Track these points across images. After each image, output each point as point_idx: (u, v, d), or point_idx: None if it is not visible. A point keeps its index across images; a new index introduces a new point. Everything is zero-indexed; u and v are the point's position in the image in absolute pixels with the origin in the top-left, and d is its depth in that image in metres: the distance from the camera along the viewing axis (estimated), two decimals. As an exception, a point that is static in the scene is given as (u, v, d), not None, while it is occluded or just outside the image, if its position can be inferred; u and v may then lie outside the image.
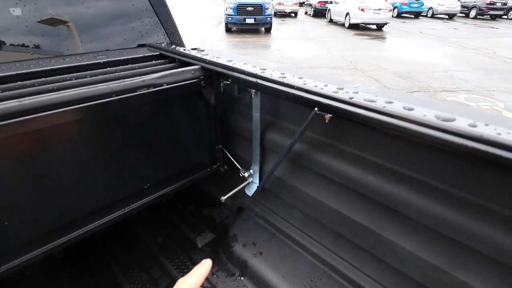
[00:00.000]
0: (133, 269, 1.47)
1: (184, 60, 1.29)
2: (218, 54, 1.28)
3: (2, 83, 0.99)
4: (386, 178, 0.93)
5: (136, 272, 1.45)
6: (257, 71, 1.04)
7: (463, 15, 20.81)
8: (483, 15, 19.77)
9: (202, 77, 1.20)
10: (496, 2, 18.97)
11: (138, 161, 1.20)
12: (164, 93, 1.09)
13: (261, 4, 12.21)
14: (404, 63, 8.78)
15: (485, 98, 6.11)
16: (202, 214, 1.80)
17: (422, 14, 20.70)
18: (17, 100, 0.80)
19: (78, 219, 1.09)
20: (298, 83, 0.92)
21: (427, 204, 0.84)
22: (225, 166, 1.54)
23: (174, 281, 1.39)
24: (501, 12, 19.31)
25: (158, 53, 1.39)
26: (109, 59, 1.25)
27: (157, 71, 1.13)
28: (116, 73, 1.15)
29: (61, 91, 0.88)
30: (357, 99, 0.79)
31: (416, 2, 19.76)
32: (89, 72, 1.15)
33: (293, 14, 19.11)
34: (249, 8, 12.18)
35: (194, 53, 1.28)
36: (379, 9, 13.97)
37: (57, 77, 1.09)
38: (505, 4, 19.02)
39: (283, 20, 17.48)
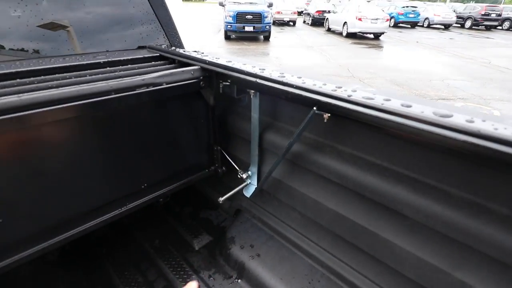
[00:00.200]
0: (129, 270, 1.45)
1: (183, 61, 1.30)
2: (218, 56, 1.30)
3: (1, 80, 0.99)
4: (385, 178, 0.93)
5: (132, 273, 1.43)
6: (256, 71, 1.05)
7: (459, 25, 21.20)
8: (478, 26, 20.14)
9: (201, 77, 1.21)
10: (491, 13, 19.36)
11: (136, 161, 1.19)
12: (163, 93, 1.09)
13: (260, 13, 12.37)
14: (401, 71, 8.88)
15: (481, 107, 6.17)
16: (199, 216, 1.79)
17: (418, 24, 21.04)
18: (16, 95, 0.81)
19: (74, 218, 1.08)
20: (297, 82, 0.93)
21: (426, 204, 0.84)
22: (223, 168, 1.54)
23: (170, 284, 1.38)
24: (495, 23, 19.70)
25: (158, 54, 1.41)
26: (109, 59, 1.26)
27: (156, 71, 1.14)
28: (116, 73, 1.16)
29: (60, 88, 0.89)
30: (356, 97, 0.79)
31: (412, 12, 20.12)
32: (88, 71, 1.16)
33: (291, 23, 19.35)
34: (248, 17, 12.32)
35: (193, 54, 1.29)
36: (376, 19, 14.20)
37: (56, 75, 1.09)
38: (499, 15, 19.41)
39: (281, 29, 17.69)
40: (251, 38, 13.57)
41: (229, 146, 1.51)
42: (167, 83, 1.09)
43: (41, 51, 1.21)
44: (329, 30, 17.15)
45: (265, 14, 12.47)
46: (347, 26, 14.80)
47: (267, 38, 13.55)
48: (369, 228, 1.01)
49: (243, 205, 1.59)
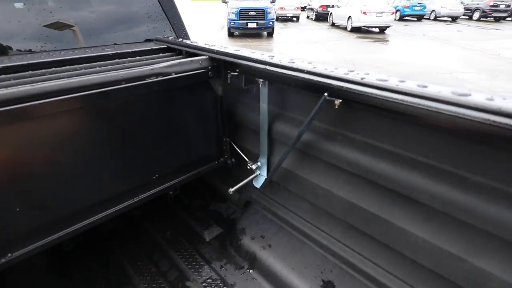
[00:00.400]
0: (142, 261, 1.46)
1: (191, 52, 1.30)
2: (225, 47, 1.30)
3: (13, 72, 1.00)
4: (398, 164, 0.92)
5: (145, 264, 1.44)
6: (265, 58, 1.04)
7: (466, 17, 20.76)
8: (486, 17, 19.70)
9: (209, 67, 1.21)
10: (500, 4, 18.89)
11: (147, 152, 1.20)
12: (172, 82, 1.09)
13: (263, 9, 12.29)
14: (408, 65, 8.76)
15: (491, 98, 6.05)
16: (208, 209, 1.79)
17: (424, 17, 20.68)
18: (29, 85, 0.82)
19: (87, 208, 1.09)
20: (308, 67, 0.91)
21: (442, 190, 0.82)
22: (232, 159, 1.54)
23: (182, 274, 1.39)
24: (505, 14, 19.23)
25: (165, 46, 1.41)
26: (118, 51, 1.26)
27: (165, 62, 1.14)
28: (125, 64, 1.16)
29: (72, 78, 0.89)
30: (369, 79, 0.78)
31: (418, 5, 19.75)
32: (98, 63, 1.17)
33: (295, 19, 19.20)
34: (251, 13, 12.26)
35: (201, 44, 1.29)
36: (381, 12, 13.99)
37: (67, 67, 1.10)
38: (508, 6, 18.93)
39: (285, 24, 17.58)
40: (254, 34, 13.52)
41: (237, 137, 1.51)
42: (176, 73, 1.09)
43: (50, 44, 1.22)
44: (333, 25, 16.98)
45: (268, 10, 12.40)
46: (351, 20, 14.62)
47: (270, 34, 13.48)
48: (382, 216, 0.99)
49: (253, 196, 1.59)
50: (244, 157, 1.47)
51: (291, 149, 1.16)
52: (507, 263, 0.75)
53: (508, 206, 0.71)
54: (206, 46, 1.24)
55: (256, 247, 1.44)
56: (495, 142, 0.71)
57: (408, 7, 19.74)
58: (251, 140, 1.45)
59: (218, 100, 1.35)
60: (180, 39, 1.46)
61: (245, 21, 12.29)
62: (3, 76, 0.96)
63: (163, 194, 1.32)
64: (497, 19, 19.62)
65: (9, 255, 0.93)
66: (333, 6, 17.73)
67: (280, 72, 1.00)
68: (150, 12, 1.49)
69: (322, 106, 0.96)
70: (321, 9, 19.32)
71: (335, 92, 0.89)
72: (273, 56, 1.06)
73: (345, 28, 15.40)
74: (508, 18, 19.66)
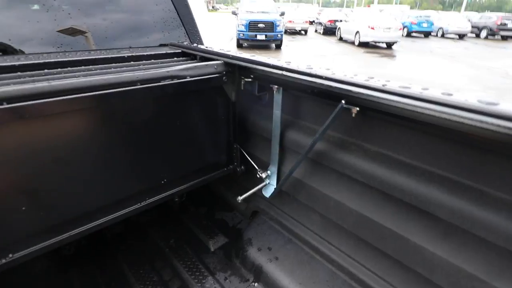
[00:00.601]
0: (144, 269, 1.42)
1: (206, 57, 1.29)
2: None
3: (30, 69, 1.00)
4: (415, 177, 0.89)
5: (147, 272, 1.40)
6: (282, 63, 1.03)
7: (474, 35, 20.87)
8: (494, 36, 19.77)
9: (224, 72, 1.20)
10: (508, 23, 19.01)
11: (157, 155, 1.18)
12: (187, 86, 1.08)
13: (272, 22, 12.49)
14: (414, 81, 8.76)
15: (500, 116, 5.99)
16: (214, 217, 1.75)
17: (432, 34, 20.83)
18: (46, 82, 0.81)
19: (92, 211, 1.07)
20: (326, 73, 0.90)
21: (461, 205, 0.78)
22: (242, 167, 1.52)
23: (185, 284, 1.34)
24: (512, 33, 19.31)
25: (180, 50, 1.41)
26: (133, 54, 1.26)
27: (180, 65, 1.14)
28: (140, 66, 1.16)
29: (88, 77, 0.88)
30: (391, 86, 0.76)
31: (426, 21, 19.92)
32: (113, 64, 1.17)
33: (303, 32, 19.46)
34: (261, 25, 12.45)
35: (216, 49, 1.28)
36: (389, 28, 14.11)
37: (83, 67, 1.10)
38: (516, 25, 19.03)
39: (293, 37, 17.80)
40: (263, 46, 13.69)
41: (248, 144, 1.49)
42: (191, 76, 1.08)
43: (66, 46, 1.23)
44: (341, 39, 17.14)
45: (277, 23, 12.58)
46: (359, 35, 14.75)
47: (278, 47, 13.64)
48: (396, 232, 0.95)
49: (261, 206, 1.55)
50: (254, 165, 1.44)
51: (303, 158, 1.13)
52: None
53: None
54: (221, 51, 1.24)
55: (263, 259, 1.39)
56: None
57: (415, 23, 19.91)
58: (262, 148, 1.43)
59: (231, 106, 1.34)
60: (195, 45, 1.46)
61: (254, 33, 12.47)
62: (19, 73, 0.96)
63: (169, 200, 1.29)
64: (505, 38, 19.68)
65: (10, 255, 0.90)
66: (341, 21, 17.94)
67: (297, 78, 0.98)
68: (166, 18, 1.50)
69: (338, 115, 0.94)
70: (329, 23, 19.56)
71: (353, 99, 0.87)
72: (290, 62, 1.04)
73: (352, 43, 15.54)
74: (516, 38, 19.70)
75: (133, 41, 1.41)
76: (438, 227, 0.86)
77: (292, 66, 0.99)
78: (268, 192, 1.42)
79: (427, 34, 20.61)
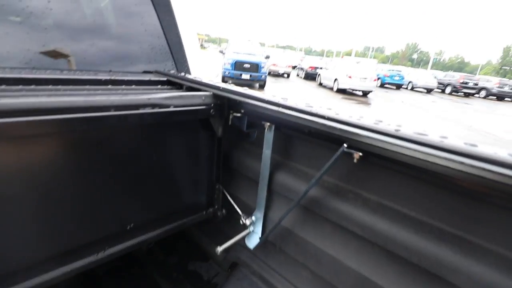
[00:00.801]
0: None
1: (194, 87, 1.18)
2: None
3: None
4: (424, 234, 0.78)
5: None
6: (278, 99, 0.93)
7: (440, 90, 22.88)
8: (457, 92, 21.80)
9: (212, 104, 1.08)
10: (469, 82, 21.13)
11: (125, 194, 1.00)
12: (169, 116, 0.95)
13: (257, 63, 13.03)
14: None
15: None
16: (187, 269, 1.52)
17: (403, 86, 22.61)
18: None
19: (32, 266, 0.84)
20: (329, 113, 0.80)
21: (480, 270, 0.67)
22: (223, 211, 1.34)
23: None
24: (473, 91, 21.41)
25: (165, 78, 1.29)
26: (112, 78, 1.13)
27: (164, 93, 1.01)
28: (118, 90, 1.02)
29: (51, 97, 0.73)
30: (406, 132, 0.67)
31: (397, 75, 21.73)
32: (87, 86, 1.02)
33: (285, 75, 20.43)
34: (246, 65, 12.93)
35: (205, 80, 1.18)
36: (365, 78, 15.14)
37: (50, 86, 0.94)
38: (476, 84, 21.20)
39: (276, 79, 18.58)
40: (247, 85, 14.05)
41: (232, 185, 1.33)
42: (175, 106, 0.95)
43: (36, 63, 1.08)
44: (320, 84, 18.10)
45: (262, 65, 13.14)
46: (337, 82, 15.67)
47: (262, 87, 14.10)
48: None
49: (242, 257, 1.36)
50: (238, 209, 1.28)
51: (295, 205, 1.00)
52: None
53: None
54: (210, 83, 1.14)
55: None
56: None
57: (388, 76, 21.64)
58: (248, 190, 1.28)
59: (216, 142, 1.21)
60: (182, 74, 1.36)
61: (239, 72, 12.87)
62: None
63: (138, 248, 1.08)
64: (467, 95, 21.73)
65: None
66: (321, 68, 19.12)
67: (294, 116, 0.88)
68: (153, 44, 1.41)
69: (338, 159, 0.84)
70: (310, 69, 20.79)
71: (356, 144, 0.78)
72: (287, 99, 0.95)
73: (331, 89, 16.41)
74: (476, 95, 21.82)
75: (114, 66, 1.29)
76: None
77: (289, 103, 0.89)
78: (251, 242, 1.24)
79: (398, 87, 22.35)
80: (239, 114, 1.15)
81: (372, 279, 0.88)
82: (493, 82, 21.63)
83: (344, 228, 0.95)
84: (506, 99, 21.56)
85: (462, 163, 0.59)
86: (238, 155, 1.30)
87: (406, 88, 22.73)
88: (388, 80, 21.63)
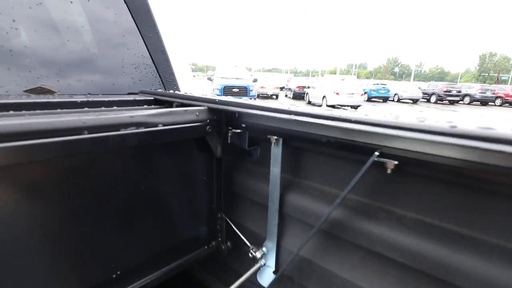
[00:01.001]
0: None
1: (185, 103, 1.04)
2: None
3: None
4: (487, 256, 0.62)
5: None
6: (288, 107, 0.80)
7: (425, 100, 23.45)
8: (442, 101, 22.38)
9: (208, 120, 0.94)
10: (452, 90, 21.77)
11: (108, 235, 0.82)
12: (158, 137, 0.80)
13: (246, 86, 13.18)
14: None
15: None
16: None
17: (389, 99, 23.12)
18: None
19: None
20: (357, 116, 0.66)
21: None
22: (228, 243, 1.16)
23: None
24: (457, 98, 22.01)
25: (152, 98, 1.15)
26: (89, 99, 0.98)
27: (150, 110, 0.87)
28: (96, 113, 0.87)
29: (5, 119, 0.57)
30: (466, 128, 0.53)
31: (383, 88, 22.28)
32: (59, 110, 0.87)
33: (274, 96, 20.69)
34: (235, 90, 13.04)
35: (198, 94, 1.04)
36: (352, 93, 15.45)
37: (11, 112, 0.78)
38: (459, 91, 21.84)
39: (266, 101, 18.71)
40: (238, 108, 14.13)
41: (236, 213, 1.16)
42: (164, 125, 0.80)
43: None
44: (309, 103, 18.34)
45: (251, 88, 13.29)
46: (326, 100, 15.92)
47: (252, 109, 14.18)
48: None
49: None
50: (245, 240, 1.10)
51: (316, 230, 0.84)
52: None
53: None
54: (204, 97, 1.00)
55: None
56: None
57: (374, 90, 22.17)
58: (255, 217, 1.11)
59: (215, 163, 1.05)
60: (171, 91, 1.23)
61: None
62: None
63: None
64: (452, 102, 22.29)
65: None
66: (308, 87, 19.49)
67: (309, 124, 0.74)
68: (138, 63, 1.28)
69: (367, 171, 0.69)
70: (298, 89, 21.21)
71: (390, 150, 0.64)
72: (298, 106, 0.82)
73: (320, 106, 16.61)
74: (461, 102, 22.41)
75: (92, 90, 1.15)
76: None
77: (303, 109, 0.75)
78: (264, 278, 1.05)
79: (385, 99, 22.84)
80: (239, 130, 1.01)
81: None
82: (475, 88, 22.34)
83: (379, 254, 0.79)
84: (489, 103, 22.16)
85: None
86: (240, 177, 1.14)
87: (393, 100, 23.24)
88: (374, 94, 22.11)
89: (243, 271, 1.05)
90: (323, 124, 0.69)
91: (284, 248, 1.03)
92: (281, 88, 24.65)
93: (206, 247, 1.12)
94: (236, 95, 13.06)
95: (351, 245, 0.86)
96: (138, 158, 0.84)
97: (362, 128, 0.63)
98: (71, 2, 1.12)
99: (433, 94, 22.77)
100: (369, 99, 22.10)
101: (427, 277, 0.71)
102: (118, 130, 0.71)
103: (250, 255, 1.06)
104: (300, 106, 0.82)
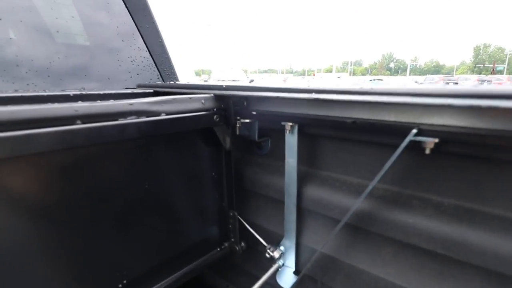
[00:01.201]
0: None
1: (187, 93, 0.95)
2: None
3: None
4: None
5: None
6: (309, 85, 0.71)
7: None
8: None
9: (215, 109, 0.85)
10: (449, 82, 21.88)
11: (109, 241, 0.73)
12: (161, 127, 0.71)
13: (243, 87, 13.18)
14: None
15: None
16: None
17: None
18: None
19: None
20: (394, 88, 0.57)
21: None
22: (242, 243, 1.07)
23: None
24: (454, 90, 22.11)
25: (151, 90, 1.07)
26: (83, 93, 0.89)
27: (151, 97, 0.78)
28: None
29: None
30: None
31: (379, 84, 22.39)
32: (49, 104, 0.78)
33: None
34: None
35: (202, 82, 0.96)
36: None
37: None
38: (456, 83, 21.94)
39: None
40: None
41: (249, 210, 1.07)
42: (167, 113, 0.72)
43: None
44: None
45: (248, 89, 13.28)
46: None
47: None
48: None
49: None
50: (260, 239, 1.01)
51: (342, 225, 0.75)
52: None
53: None
54: (208, 84, 0.91)
55: None
56: None
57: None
58: (271, 214, 1.02)
59: (225, 157, 0.96)
60: (171, 82, 1.14)
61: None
62: None
63: None
64: (450, 94, 22.41)
65: None
66: (306, 86, 19.66)
67: (333, 102, 0.66)
68: (135, 57, 1.19)
69: (402, 153, 0.62)
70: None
71: (431, 127, 0.56)
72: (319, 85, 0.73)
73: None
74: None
75: (87, 85, 1.06)
76: None
77: (325, 85, 0.66)
78: (284, 279, 0.97)
79: (383, 94, 22.99)
80: (248, 120, 0.92)
81: None
82: (472, 80, 22.39)
83: (416, 247, 0.70)
84: (487, 94, 22.27)
85: None
86: (251, 171, 1.06)
87: (390, 95, 23.38)
88: (371, 89, 22.24)
89: (259, 273, 0.96)
90: (352, 100, 0.60)
91: (304, 246, 0.94)
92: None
93: (218, 249, 1.03)
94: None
95: (381, 239, 0.78)
96: (140, 152, 0.75)
97: (401, 100, 0.54)
98: (60, -8, 1.04)
99: (430, 86, 22.92)
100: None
101: (476, 269, 0.63)
102: (116, 120, 0.63)
103: (267, 255, 0.97)
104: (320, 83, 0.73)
